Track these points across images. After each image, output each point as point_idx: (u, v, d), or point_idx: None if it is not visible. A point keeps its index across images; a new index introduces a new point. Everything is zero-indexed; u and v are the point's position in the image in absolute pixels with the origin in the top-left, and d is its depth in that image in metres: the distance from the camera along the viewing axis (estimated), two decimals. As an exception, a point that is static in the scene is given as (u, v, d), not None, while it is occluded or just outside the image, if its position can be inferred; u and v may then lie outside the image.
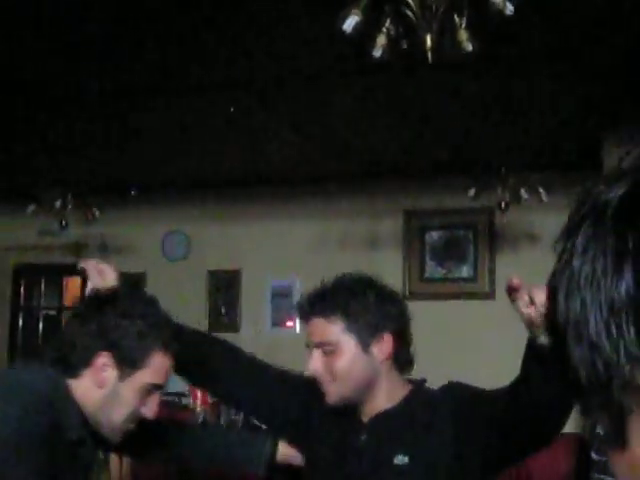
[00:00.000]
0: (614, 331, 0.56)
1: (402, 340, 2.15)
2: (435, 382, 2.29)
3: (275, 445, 2.29)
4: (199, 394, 3.60)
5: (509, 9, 3.32)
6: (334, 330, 2.06)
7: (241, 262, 8.19)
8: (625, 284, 0.55)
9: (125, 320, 1.88)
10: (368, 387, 2.10)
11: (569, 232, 0.63)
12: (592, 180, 0.62)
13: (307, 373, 2.14)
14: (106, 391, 1.85)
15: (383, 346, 2.08)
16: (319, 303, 2.12)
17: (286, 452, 2.28)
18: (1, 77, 5.13)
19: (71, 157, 6.92)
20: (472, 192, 6.65)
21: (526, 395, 1.91)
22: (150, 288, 8.37)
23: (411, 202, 7.81)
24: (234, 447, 2.39)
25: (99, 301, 1.95)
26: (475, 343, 7.35)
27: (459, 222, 7.76)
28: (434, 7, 3.41)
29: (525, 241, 7.51)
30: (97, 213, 7.54)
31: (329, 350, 2.06)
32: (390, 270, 7.82)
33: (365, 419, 2.12)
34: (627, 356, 0.55)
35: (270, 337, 8.00)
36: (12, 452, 1.68)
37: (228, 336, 7.83)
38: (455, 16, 3.53)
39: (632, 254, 0.55)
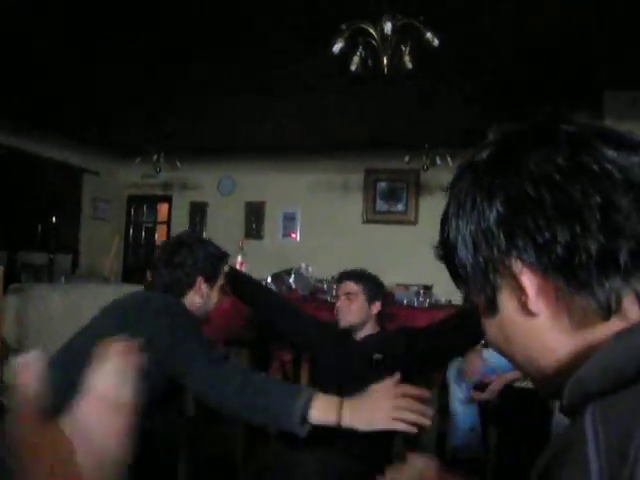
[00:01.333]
0: (489, 237, 0.59)
1: (384, 306, 2.36)
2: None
3: (310, 400, 1.38)
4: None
5: (436, 42, 3.29)
6: (356, 288, 2.27)
7: (265, 197, 8.15)
8: (495, 208, 0.58)
9: (204, 254, 1.86)
10: (364, 323, 2.29)
11: (456, 181, 0.65)
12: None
13: (338, 305, 2.30)
14: (203, 299, 1.85)
15: (376, 307, 2.30)
16: (350, 275, 2.33)
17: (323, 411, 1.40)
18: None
19: (163, 127, 6.85)
20: (407, 159, 6.66)
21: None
22: (210, 212, 8.39)
23: (369, 164, 7.75)
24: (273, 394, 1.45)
25: (181, 246, 1.86)
26: (405, 251, 7.44)
27: (398, 177, 7.69)
28: (389, 39, 3.37)
29: (437, 189, 7.51)
30: (179, 164, 7.51)
31: (351, 297, 2.26)
32: (355, 205, 7.85)
33: (358, 339, 2.31)
34: (499, 251, 0.59)
35: (281, 243, 8.05)
36: (186, 324, 1.65)
37: (256, 242, 7.96)
38: (402, 46, 3.49)
39: (498, 189, 0.58)
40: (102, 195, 8.39)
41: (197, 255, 1.84)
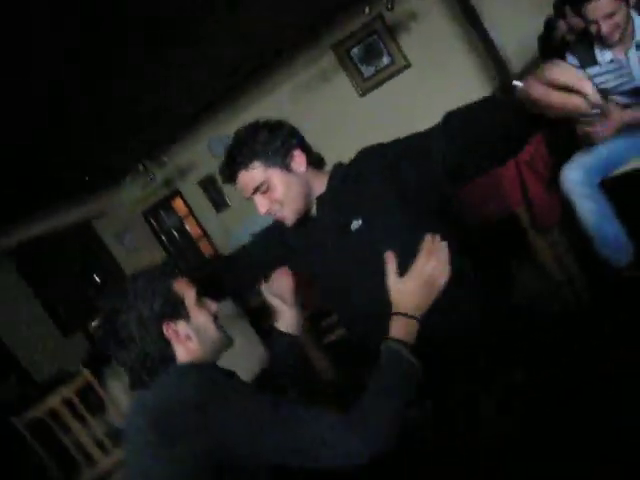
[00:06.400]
0: None
1: (306, 148, 1.74)
2: (396, 134, 1.82)
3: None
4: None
5: None
6: (258, 173, 1.66)
7: None
8: None
9: (145, 295, 1.36)
10: (306, 195, 1.72)
11: None
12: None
13: (262, 214, 1.72)
14: (193, 337, 1.40)
15: (298, 159, 1.70)
16: (234, 162, 1.68)
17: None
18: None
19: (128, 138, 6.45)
20: (367, 10, 6.41)
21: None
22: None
23: (331, 39, 7.18)
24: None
25: (115, 313, 1.38)
26: (408, 103, 6.99)
27: (364, 33, 7.08)
28: None
29: (411, 21, 6.89)
30: (165, 158, 7.17)
31: (264, 189, 1.67)
32: (343, 85, 7.31)
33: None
34: None
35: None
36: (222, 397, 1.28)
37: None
38: None
39: None
40: (118, 228, 8.20)
41: (140, 307, 1.35)
